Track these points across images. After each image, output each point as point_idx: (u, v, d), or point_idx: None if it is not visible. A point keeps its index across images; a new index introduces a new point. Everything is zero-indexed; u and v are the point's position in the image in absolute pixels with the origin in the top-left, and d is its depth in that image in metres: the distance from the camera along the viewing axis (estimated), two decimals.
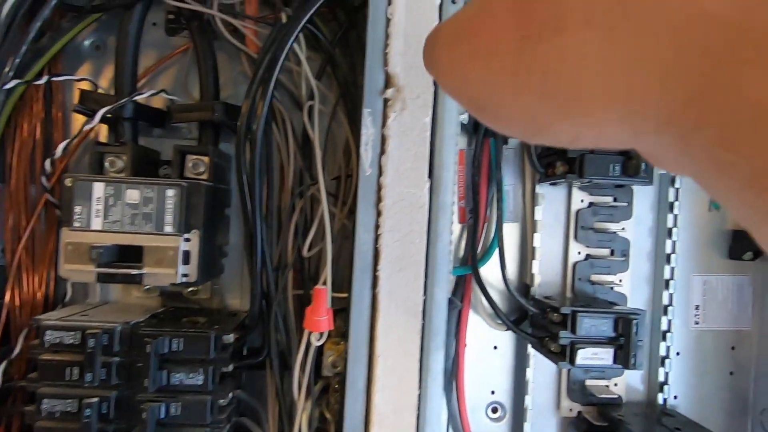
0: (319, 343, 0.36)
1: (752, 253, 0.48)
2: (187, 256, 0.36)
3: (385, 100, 0.35)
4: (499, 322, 0.45)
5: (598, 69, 0.10)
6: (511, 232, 0.47)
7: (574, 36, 0.10)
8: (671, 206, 0.46)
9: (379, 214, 0.35)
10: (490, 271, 0.45)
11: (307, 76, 0.39)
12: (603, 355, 0.37)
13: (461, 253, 0.47)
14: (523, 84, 0.11)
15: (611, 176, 0.38)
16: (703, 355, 0.49)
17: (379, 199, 0.35)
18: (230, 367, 0.38)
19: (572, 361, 0.38)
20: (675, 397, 0.48)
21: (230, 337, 0.38)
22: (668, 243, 0.46)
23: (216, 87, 0.41)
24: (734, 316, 0.49)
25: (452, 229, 0.42)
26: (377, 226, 0.35)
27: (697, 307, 0.49)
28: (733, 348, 0.49)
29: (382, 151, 0.35)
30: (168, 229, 0.35)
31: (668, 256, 0.46)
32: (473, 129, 0.45)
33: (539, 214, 0.45)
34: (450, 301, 0.42)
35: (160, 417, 0.35)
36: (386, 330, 0.35)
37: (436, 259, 0.35)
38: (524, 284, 0.46)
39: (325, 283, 0.36)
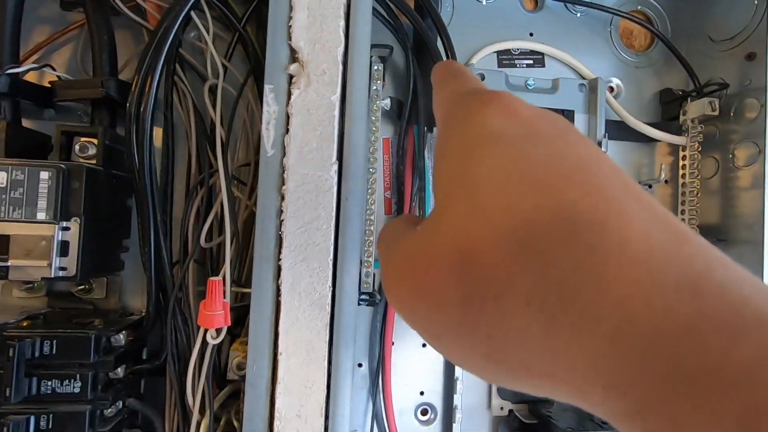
0: (216, 342, 0.32)
1: None
2: (64, 247, 0.32)
3: (289, 77, 0.33)
4: None
5: (541, 352, 0.11)
6: None
7: (515, 313, 0.11)
8: None
9: (282, 198, 0.32)
10: None
11: (212, 53, 0.36)
12: None
13: None
14: (469, 341, 0.12)
15: None
16: None
17: (282, 182, 0.32)
18: (120, 373, 0.34)
19: None
20: None
21: (120, 338, 0.34)
22: None
23: (112, 65, 0.37)
24: None
25: (372, 218, 0.40)
26: (280, 212, 0.32)
27: None
28: None
29: (286, 131, 0.33)
30: (41, 216, 0.31)
31: None
32: (397, 116, 0.43)
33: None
34: (370, 295, 0.40)
35: (27, 431, 0.31)
36: (289, 325, 0.32)
37: (346, 247, 0.33)
38: None
39: (223, 276, 0.33)
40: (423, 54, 0.42)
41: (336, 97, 0.33)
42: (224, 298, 0.32)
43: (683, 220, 0.46)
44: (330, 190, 0.33)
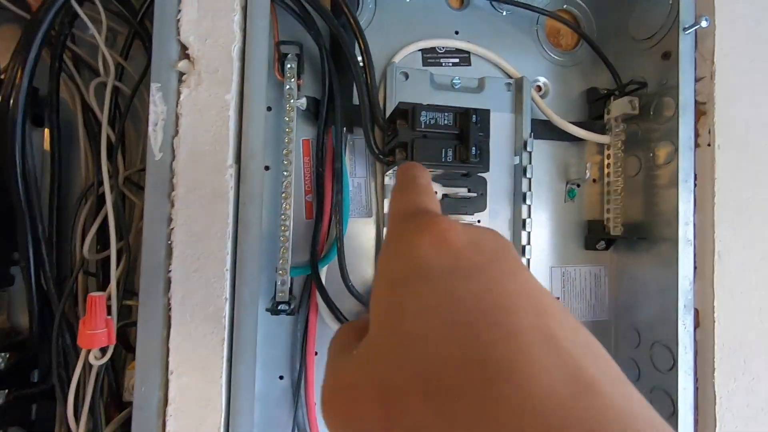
0: (101, 362, 0.30)
1: (604, 242, 0.48)
2: None
3: (179, 74, 0.31)
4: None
5: None
6: (364, 228, 0.44)
7: None
8: (524, 197, 0.45)
9: (171, 204, 0.30)
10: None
11: (102, 48, 0.33)
12: None
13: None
14: None
15: (444, 162, 0.36)
16: None
17: (171, 188, 0.30)
18: (0, 397, 0.31)
19: None
20: None
21: None
22: (524, 234, 0.45)
23: None
24: (592, 306, 0.49)
25: (288, 224, 0.38)
26: (170, 219, 0.30)
27: (557, 300, 0.48)
28: None
29: (175, 133, 0.30)
30: None
31: (523, 248, 0.45)
32: (314, 116, 0.41)
33: (388, 207, 0.42)
34: (287, 304, 0.38)
35: None
36: (180, 341, 0.30)
37: (245, 255, 0.31)
38: None
39: (110, 291, 0.30)
40: (339, 53, 0.40)
41: (231, 96, 0.31)
42: (108, 314, 0.29)
43: (608, 219, 0.47)
44: (225, 195, 0.31)
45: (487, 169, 0.37)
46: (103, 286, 0.34)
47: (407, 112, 0.36)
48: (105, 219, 0.33)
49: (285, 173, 0.38)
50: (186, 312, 0.30)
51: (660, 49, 0.44)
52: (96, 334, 0.28)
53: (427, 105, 0.36)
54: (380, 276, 0.16)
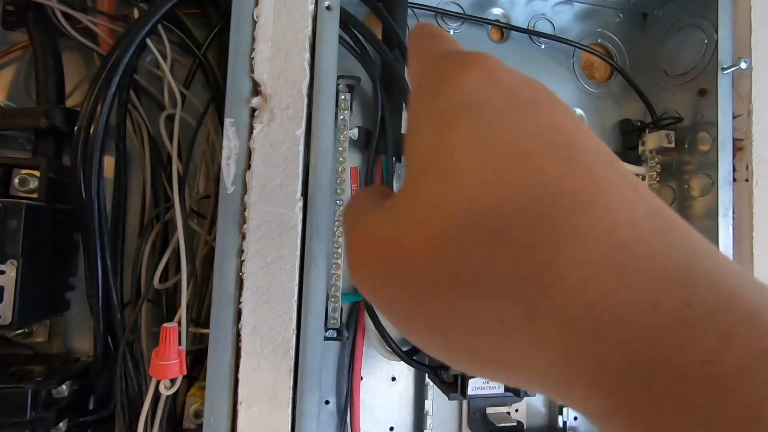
0: (170, 392, 0.30)
1: None
2: None
3: (251, 110, 0.32)
4: (393, 353, 0.42)
5: (517, 343, 0.10)
6: None
7: (491, 302, 0.10)
8: None
9: (243, 237, 0.31)
10: None
11: (170, 80, 0.34)
12: (494, 384, 0.35)
13: None
14: (440, 330, 0.11)
15: None
16: None
17: (243, 221, 0.31)
18: (62, 428, 0.31)
19: (463, 392, 0.35)
20: (575, 418, 0.47)
21: (63, 389, 0.31)
22: None
23: (59, 91, 0.35)
24: None
25: (340, 252, 0.39)
26: (241, 251, 0.31)
27: None
28: None
29: (247, 167, 0.31)
30: None
31: None
32: (365, 145, 0.42)
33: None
34: (338, 331, 0.38)
35: None
36: (251, 372, 0.30)
37: (310, 287, 0.32)
38: None
39: (179, 321, 0.30)
40: (391, 84, 0.41)
41: (301, 132, 0.32)
42: (179, 345, 0.30)
43: None
44: (294, 228, 0.31)
45: None
46: (166, 315, 0.34)
47: None
48: (166, 248, 0.34)
49: (338, 202, 0.39)
50: (256, 343, 0.30)
51: (695, 86, 0.45)
52: (169, 365, 0.29)
53: None
54: (417, 116, 0.14)
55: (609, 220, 0.10)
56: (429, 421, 0.42)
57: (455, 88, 0.13)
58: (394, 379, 0.44)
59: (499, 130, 0.11)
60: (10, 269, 0.29)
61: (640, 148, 0.49)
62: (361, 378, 0.42)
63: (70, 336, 0.37)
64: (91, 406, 0.35)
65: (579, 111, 0.50)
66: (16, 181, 0.32)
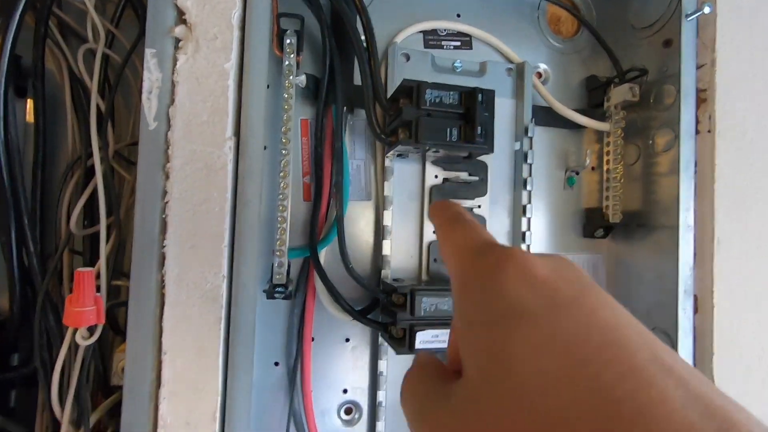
0: (88, 342, 0.28)
1: (603, 230, 0.48)
2: None
3: (175, 40, 0.29)
4: (343, 312, 0.40)
5: None
6: (363, 212, 0.42)
7: None
8: (525, 183, 0.45)
9: (167, 177, 0.28)
10: (337, 254, 0.41)
11: (92, 14, 0.31)
12: (443, 337, 0.34)
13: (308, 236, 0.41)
14: None
15: (449, 141, 0.35)
16: None
17: (166, 159, 0.29)
18: None
19: (411, 347, 0.33)
20: None
21: None
22: (524, 221, 0.44)
23: None
24: None
25: (286, 204, 0.37)
26: (164, 192, 0.28)
27: None
28: None
29: (171, 102, 0.29)
30: None
31: (524, 234, 0.44)
32: (314, 95, 0.40)
33: (389, 189, 0.41)
34: (284, 287, 0.36)
35: None
36: (175, 321, 0.28)
37: (243, 232, 0.30)
38: (377, 268, 0.42)
39: (98, 269, 0.28)
40: (341, 30, 0.39)
41: (230, 65, 0.30)
42: (97, 292, 0.27)
43: (608, 206, 0.47)
44: (223, 168, 0.29)
45: (491, 150, 0.36)
46: (90, 264, 0.32)
47: (412, 90, 0.35)
48: (93, 194, 0.32)
49: (283, 152, 0.37)
50: (181, 290, 0.28)
51: (661, 37, 0.44)
52: (84, 312, 0.27)
53: (433, 83, 0.35)
54: (469, 318, 0.15)
55: (666, 426, 0.11)
56: (382, 381, 0.40)
57: (498, 292, 0.14)
58: (347, 340, 0.42)
59: (547, 335, 0.13)
60: None
61: (605, 104, 0.47)
62: (312, 339, 0.41)
63: None
64: (14, 364, 0.33)
65: (544, 66, 0.49)
66: None
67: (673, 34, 0.42)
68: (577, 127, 0.48)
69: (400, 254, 0.42)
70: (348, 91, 0.40)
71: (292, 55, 0.37)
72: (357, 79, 0.41)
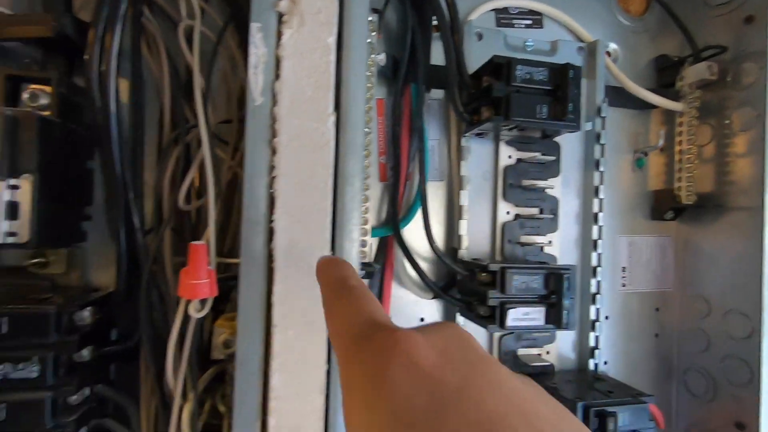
0: (201, 315, 0.28)
1: (673, 211, 0.47)
2: (13, 208, 0.27)
3: (279, 15, 0.29)
4: (425, 289, 0.40)
5: None
6: (436, 192, 0.42)
7: None
8: (597, 164, 0.44)
9: (273, 152, 0.29)
10: (412, 235, 0.41)
11: None
12: (534, 315, 0.34)
13: (383, 215, 0.41)
14: None
15: (538, 119, 0.34)
16: (630, 318, 0.47)
17: (272, 135, 0.29)
18: (85, 355, 0.29)
19: (502, 323, 0.34)
20: (605, 363, 0.46)
21: (84, 315, 0.29)
22: (595, 202, 0.44)
23: (67, 1, 0.32)
24: (657, 277, 0.48)
25: (369, 183, 0.37)
26: (271, 168, 0.29)
27: (623, 269, 0.48)
28: (657, 309, 0.48)
29: (276, 77, 0.29)
30: None
31: (595, 216, 0.44)
32: (392, 74, 0.40)
33: (465, 169, 0.41)
34: (367, 265, 0.37)
35: None
36: (285, 294, 0.28)
37: (345, 207, 0.30)
38: (451, 249, 0.42)
39: (207, 240, 0.29)
40: (422, 6, 0.39)
41: (333, 40, 0.29)
42: (209, 265, 0.28)
43: (680, 187, 0.46)
44: (327, 144, 0.29)
45: (579, 128, 0.36)
46: (188, 241, 0.32)
47: (499, 67, 0.35)
48: (185, 171, 0.32)
49: (367, 130, 0.37)
50: (289, 264, 0.28)
51: (741, 14, 0.43)
52: (198, 285, 0.27)
53: (523, 59, 0.35)
54: (355, 420, 0.14)
55: None
56: None
57: (381, 394, 0.13)
58: (422, 319, 0.42)
59: None
60: (26, 184, 0.27)
61: (678, 84, 0.46)
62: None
63: (88, 269, 0.35)
64: (113, 339, 0.34)
65: (613, 46, 0.48)
66: (26, 95, 0.30)
67: (755, 10, 0.41)
68: (646, 107, 0.47)
69: (474, 234, 0.42)
70: (428, 69, 0.39)
71: (373, 33, 0.37)
72: (434, 59, 0.41)
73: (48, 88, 0.30)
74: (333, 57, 0.30)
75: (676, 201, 0.46)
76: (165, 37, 0.33)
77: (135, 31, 0.32)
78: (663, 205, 0.47)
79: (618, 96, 0.46)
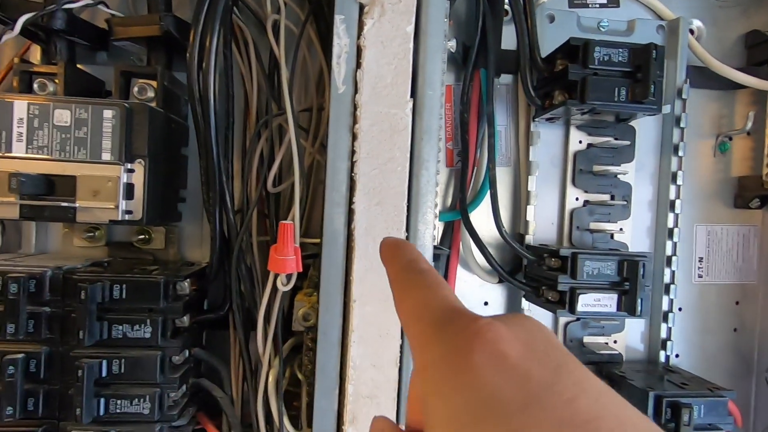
0: (286, 288, 0.31)
1: (759, 199, 0.44)
2: (130, 189, 0.31)
3: (361, 6, 0.30)
4: (491, 273, 0.41)
5: None
6: (502, 178, 0.42)
7: None
8: (676, 149, 0.42)
9: (354, 137, 0.30)
10: (478, 220, 0.41)
11: None
12: (606, 302, 0.34)
13: (449, 201, 0.42)
14: None
15: (617, 102, 0.34)
16: (706, 311, 0.45)
17: (354, 121, 0.30)
18: (185, 321, 0.33)
19: (572, 309, 0.34)
20: (677, 356, 0.45)
21: (185, 286, 0.33)
22: (672, 188, 0.42)
23: (167, 1, 0.35)
24: (739, 269, 0.46)
25: (438, 168, 0.38)
26: (352, 152, 0.30)
27: (700, 260, 0.45)
28: (737, 303, 0.46)
29: (358, 65, 0.30)
30: (106, 156, 0.30)
31: (672, 203, 0.42)
32: (462, 60, 0.40)
33: (534, 155, 0.40)
34: (436, 248, 0.38)
35: (101, 375, 0.30)
36: (363, 272, 0.30)
37: (420, 190, 0.31)
38: (518, 234, 0.42)
39: (293, 219, 0.31)
40: None
41: (411, 28, 0.30)
42: (295, 242, 0.30)
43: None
44: (405, 129, 0.30)
45: (660, 111, 0.34)
46: (272, 221, 0.35)
47: (575, 49, 0.34)
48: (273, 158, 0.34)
49: (439, 115, 0.37)
50: (369, 243, 0.30)
51: None
52: (286, 260, 0.29)
53: (601, 41, 0.34)
54: (441, 415, 0.14)
55: None
56: None
57: (468, 381, 0.13)
58: (486, 303, 0.43)
59: None
60: (139, 168, 0.31)
61: None
62: None
63: (183, 245, 0.39)
64: (205, 308, 0.38)
65: (697, 23, 0.45)
66: (135, 89, 0.34)
67: None
68: (732, 88, 0.44)
69: (541, 221, 0.42)
70: (498, 54, 0.39)
71: (445, 20, 0.37)
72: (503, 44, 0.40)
73: (154, 82, 0.33)
74: (411, 45, 0.30)
75: (764, 188, 0.43)
76: (251, 32, 0.36)
77: (226, 28, 0.34)
78: (748, 193, 0.45)
79: (701, 76, 0.44)
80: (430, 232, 0.31)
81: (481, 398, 0.13)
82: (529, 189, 0.40)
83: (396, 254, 0.20)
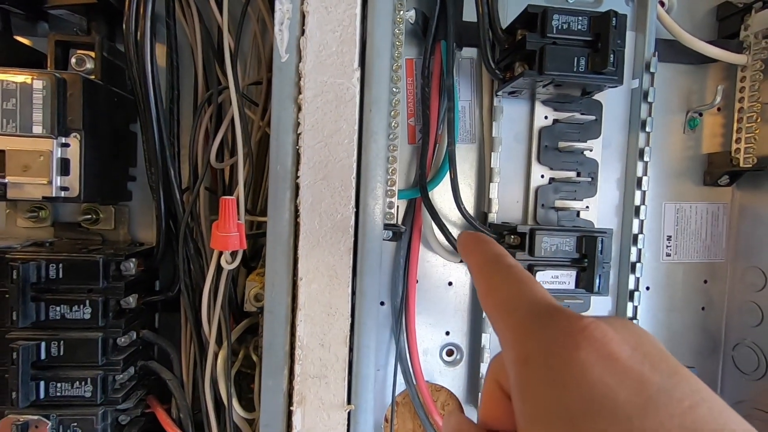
0: (231, 267, 0.30)
1: (728, 176, 0.44)
2: (65, 164, 0.29)
3: None
4: (453, 253, 0.40)
5: None
6: (466, 155, 0.41)
7: None
8: (643, 124, 0.41)
9: (299, 109, 0.29)
10: (441, 198, 0.40)
11: None
12: (564, 279, 0.33)
13: (411, 178, 0.41)
14: None
15: (575, 72, 0.32)
16: (673, 290, 0.45)
17: (298, 92, 0.29)
18: (131, 302, 0.32)
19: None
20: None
21: (129, 265, 0.32)
22: (639, 165, 0.41)
23: None
24: (707, 247, 0.45)
25: (396, 144, 0.37)
26: (297, 124, 0.29)
27: (669, 238, 0.45)
28: (705, 282, 0.45)
29: (301, 32, 0.29)
30: (37, 129, 0.29)
31: (639, 180, 0.41)
32: (422, 32, 0.39)
33: (497, 130, 0.39)
34: (393, 227, 0.37)
35: (39, 358, 0.29)
36: (309, 249, 0.29)
37: (369, 164, 0.30)
38: (481, 213, 0.41)
39: (237, 196, 0.30)
40: None
41: None
42: (238, 219, 0.29)
43: (738, 149, 0.42)
44: (352, 99, 0.29)
45: (621, 82, 0.33)
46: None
47: (534, 18, 0.33)
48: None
49: (395, 90, 0.36)
50: (314, 219, 0.29)
51: None
52: (229, 237, 0.28)
53: (560, 8, 0.32)
54: (545, 406, 0.13)
55: None
56: (487, 325, 0.40)
57: (577, 379, 0.13)
58: (450, 284, 0.42)
59: None
60: (74, 143, 0.30)
61: (742, 34, 0.42)
62: (417, 281, 0.41)
63: (134, 226, 0.38)
64: (157, 289, 0.37)
65: None
66: (73, 60, 0.32)
67: None
68: (702, 62, 0.43)
69: (506, 198, 0.41)
70: (459, 25, 0.38)
71: None
72: (465, 16, 0.39)
73: (93, 53, 0.32)
74: (358, 11, 0.29)
75: (733, 164, 0.42)
76: (197, 2, 0.34)
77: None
78: (718, 170, 0.44)
79: (670, 50, 0.43)
80: (380, 206, 0.30)
81: (594, 396, 0.12)
82: (492, 166, 0.39)
83: (479, 248, 0.19)
